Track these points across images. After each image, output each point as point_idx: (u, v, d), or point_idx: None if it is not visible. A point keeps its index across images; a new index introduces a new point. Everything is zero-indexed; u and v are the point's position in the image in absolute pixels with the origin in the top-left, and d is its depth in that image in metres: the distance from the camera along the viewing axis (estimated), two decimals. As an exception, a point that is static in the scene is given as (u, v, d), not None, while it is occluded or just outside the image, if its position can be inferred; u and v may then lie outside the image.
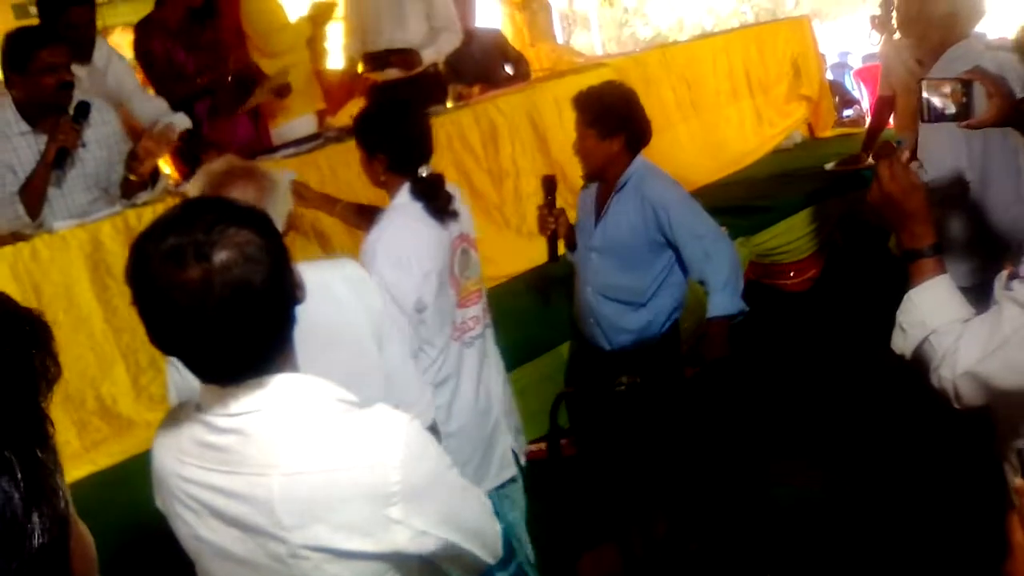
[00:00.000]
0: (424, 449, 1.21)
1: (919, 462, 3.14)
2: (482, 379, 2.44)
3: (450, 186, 2.48)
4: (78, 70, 3.43)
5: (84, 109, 3.04)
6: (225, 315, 1.10)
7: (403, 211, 2.35)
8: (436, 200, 2.37)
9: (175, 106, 3.74)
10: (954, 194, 2.70)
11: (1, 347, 0.59)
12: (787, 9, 13.37)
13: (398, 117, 2.42)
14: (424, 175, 2.37)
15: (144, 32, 3.80)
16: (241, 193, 1.77)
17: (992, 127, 2.06)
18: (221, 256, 1.09)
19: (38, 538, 0.54)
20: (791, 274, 3.98)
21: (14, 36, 2.99)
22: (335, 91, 5.27)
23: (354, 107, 5.05)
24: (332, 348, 1.62)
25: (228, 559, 1.24)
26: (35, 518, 0.54)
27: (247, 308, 1.11)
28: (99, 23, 3.73)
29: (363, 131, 2.41)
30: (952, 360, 1.50)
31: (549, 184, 3.00)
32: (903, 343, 1.62)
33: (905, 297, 1.62)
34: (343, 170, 3.36)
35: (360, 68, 4.51)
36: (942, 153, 2.71)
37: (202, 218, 1.11)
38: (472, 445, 2.39)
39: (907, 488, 3.09)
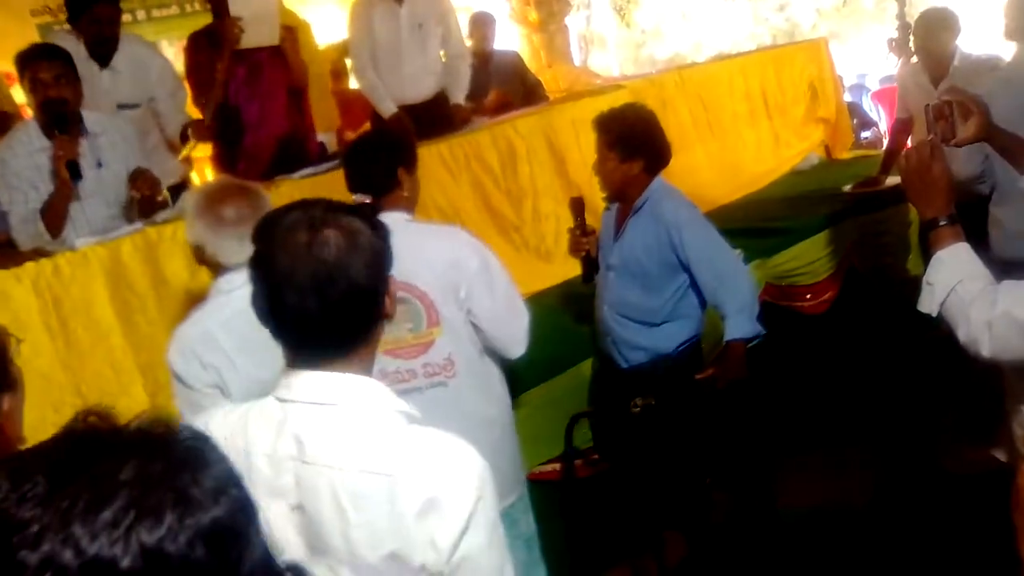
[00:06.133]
0: (473, 470, 1.24)
1: (933, 482, 3.12)
2: None
3: (452, 231, 2.50)
4: (96, 72, 3.51)
5: (60, 120, 2.94)
6: (318, 283, 1.19)
7: None
8: None
9: (217, 111, 3.83)
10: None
11: None
12: (804, 31, 13.41)
13: (350, 153, 2.49)
14: (355, 203, 2.30)
15: (194, 42, 3.88)
16: (234, 206, 1.97)
17: (972, 143, 2.13)
18: (329, 231, 1.21)
19: None
20: (808, 296, 3.96)
21: (20, 52, 3.05)
22: (355, 108, 5.33)
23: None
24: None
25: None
26: None
27: (339, 284, 1.20)
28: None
29: None
30: (988, 301, 1.63)
31: (577, 206, 3.00)
32: (931, 300, 1.75)
33: (933, 258, 1.77)
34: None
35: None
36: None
37: (327, 202, 1.26)
38: None
39: (920, 508, 3.06)
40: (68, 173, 2.94)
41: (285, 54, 3.90)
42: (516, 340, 2.37)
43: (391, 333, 2.27)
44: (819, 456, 3.47)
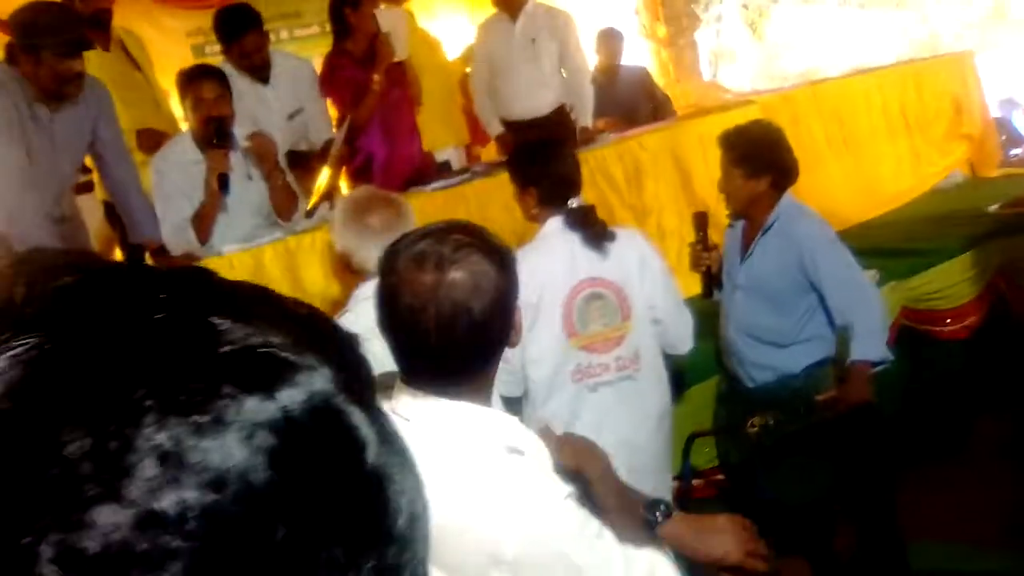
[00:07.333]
0: (555, 530, 1.18)
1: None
2: (607, 427, 2.35)
3: (631, 231, 2.61)
4: (260, 89, 3.72)
5: (220, 135, 3.11)
6: (439, 325, 1.19)
7: (533, 245, 2.43)
8: (591, 228, 2.42)
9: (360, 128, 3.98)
10: None
11: None
12: (948, 43, 12.78)
13: (548, 153, 2.53)
14: (575, 206, 2.44)
15: (334, 61, 4.04)
16: (379, 216, 2.07)
17: None
18: (455, 274, 1.19)
19: None
20: (947, 321, 3.78)
21: (184, 71, 3.26)
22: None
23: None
24: None
25: None
26: None
27: (459, 327, 1.20)
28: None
29: (516, 166, 2.54)
30: None
31: (701, 220, 2.99)
32: None
33: None
34: (491, 205, 3.45)
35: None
36: None
37: (455, 237, 1.22)
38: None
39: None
40: (219, 185, 3.11)
41: (405, 70, 4.05)
42: (688, 335, 2.55)
43: (587, 330, 2.39)
44: (956, 491, 3.29)
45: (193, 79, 3.15)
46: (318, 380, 0.33)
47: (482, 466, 1.21)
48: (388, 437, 0.36)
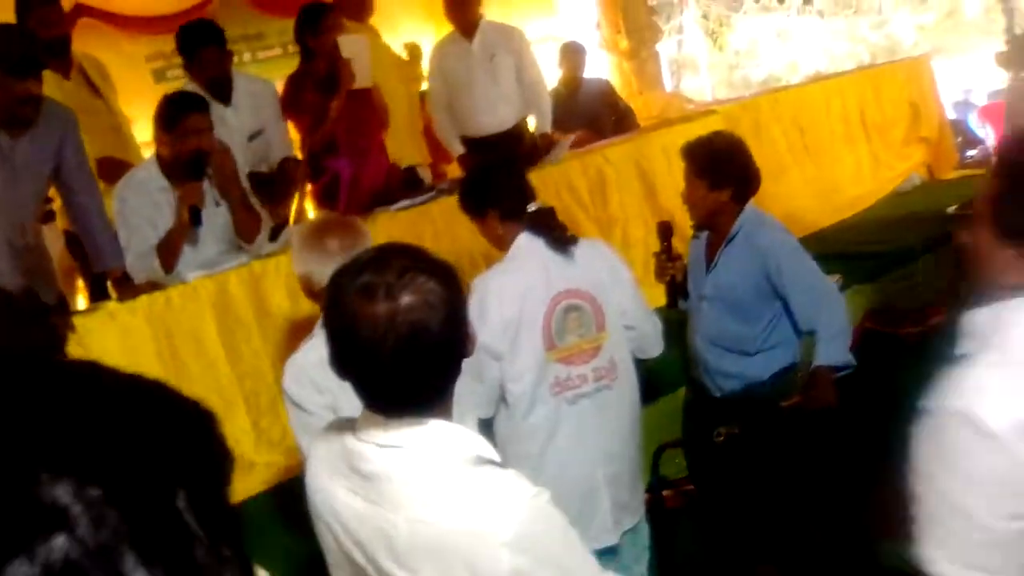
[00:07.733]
0: (540, 528, 1.22)
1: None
2: (587, 438, 2.39)
3: (595, 241, 2.64)
4: (221, 110, 3.67)
5: (199, 169, 3.08)
6: (400, 351, 1.20)
7: (507, 265, 2.43)
8: (554, 230, 2.44)
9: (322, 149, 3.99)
10: None
11: None
12: (905, 47, 13.00)
13: (498, 172, 2.56)
14: (535, 209, 2.45)
15: (296, 84, 4.04)
16: (336, 237, 2.09)
17: None
18: (406, 299, 1.20)
19: None
20: (910, 322, 3.84)
21: (171, 97, 3.19)
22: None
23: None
24: None
25: None
26: None
27: (420, 348, 1.21)
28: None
29: (469, 197, 2.53)
30: None
31: (665, 230, 3.02)
32: None
33: None
34: (457, 223, 3.44)
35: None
36: None
37: (396, 263, 1.23)
38: (567, 499, 2.37)
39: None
40: (189, 216, 3.07)
41: (372, 94, 4.07)
42: (658, 339, 2.58)
43: (564, 342, 2.40)
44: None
45: (184, 110, 3.07)
46: (64, 542, 0.25)
47: (469, 479, 1.24)
48: (187, 561, 0.28)
